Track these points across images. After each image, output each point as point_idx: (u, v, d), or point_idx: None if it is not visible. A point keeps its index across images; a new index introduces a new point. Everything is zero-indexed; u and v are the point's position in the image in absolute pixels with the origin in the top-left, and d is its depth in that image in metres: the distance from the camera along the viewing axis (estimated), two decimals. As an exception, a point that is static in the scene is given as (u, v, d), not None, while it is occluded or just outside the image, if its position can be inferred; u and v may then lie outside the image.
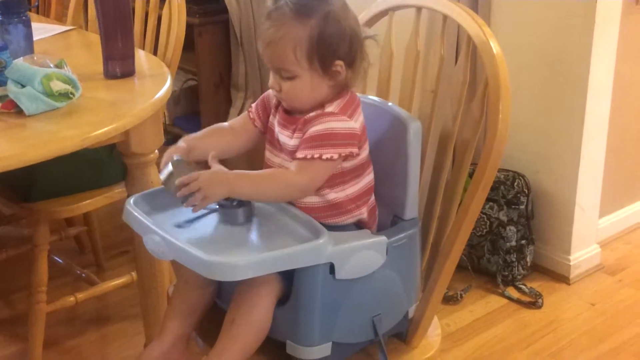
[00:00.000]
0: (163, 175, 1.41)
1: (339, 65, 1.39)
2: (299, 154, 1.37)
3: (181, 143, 1.46)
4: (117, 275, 2.43)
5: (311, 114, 1.40)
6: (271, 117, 1.50)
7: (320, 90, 1.41)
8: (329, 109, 1.40)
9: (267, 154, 1.50)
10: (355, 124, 1.41)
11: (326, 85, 1.40)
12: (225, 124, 1.55)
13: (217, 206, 1.40)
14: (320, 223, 1.39)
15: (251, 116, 1.54)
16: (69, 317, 2.44)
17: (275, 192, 1.40)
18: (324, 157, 1.36)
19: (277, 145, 1.47)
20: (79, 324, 2.43)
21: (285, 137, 1.44)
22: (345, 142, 1.39)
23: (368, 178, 1.47)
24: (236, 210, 1.39)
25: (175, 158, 1.41)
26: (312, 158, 1.36)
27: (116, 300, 2.51)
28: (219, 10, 3.38)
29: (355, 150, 1.40)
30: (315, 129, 1.38)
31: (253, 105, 1.54)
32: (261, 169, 1.47)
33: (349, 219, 1.45)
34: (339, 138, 1.38)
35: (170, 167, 1.39)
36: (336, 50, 1.38)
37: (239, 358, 1.37)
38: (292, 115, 1.44)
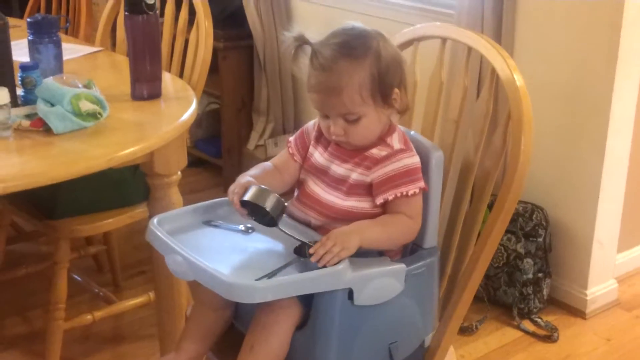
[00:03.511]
0: (249, 196, 1.38)
1: (396, 93, 1.42)
2: (388, 196, 1.40)
3: (246, 179, 1.44)
4: (134, 295, 2.45)
5: (382, 153, 1.43)
6: (311, 147, 1.52)
7: (382, 122, 1.44)
8: (396, 144, 1.43)
9: (310, 184, 1.50)
10: (418, 157, 1.45)
11: (386, 115, 1.44)
12: (269, 164, 1.55)
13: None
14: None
15: (290, 151, 1.55)
16: (85, 335, 2.45)
17: (399, 235, 1.43)
18: (409, 193, 1.40)
19: (320, 175, 1.48)
20: (94, 342, 2.44)
21: (345, 170, 1.46)
22: (418, 176, 1.43)
23: None
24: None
25: (256, 187, 1.39)
26: (402, 196, 1.40)
27: (133, 319, 2.52)
28: (243, 35, 3.42)
29: (423, 183, 1.44)
30: (392, 167, 1.41)
31: (292, 139, 1.56)
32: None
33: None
34: (415, 173, 1.42)
35: (254, 189, 1.38)
36: (393, 81, 1.41)
37: None
38: (349, 148, 1.46)
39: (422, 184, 1.43)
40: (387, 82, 1.40)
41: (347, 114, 1.40)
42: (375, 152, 1.43)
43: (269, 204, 1.37)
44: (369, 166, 1.43)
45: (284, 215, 1.42)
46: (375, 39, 1.41)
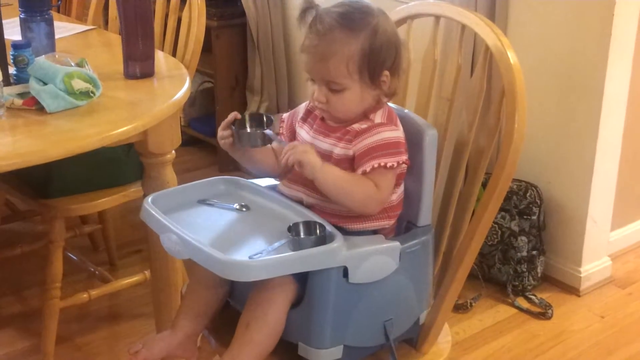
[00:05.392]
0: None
1: (386, 75, 1.42)
2: (366, 167, 1.40)
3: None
4: (130, 273, 2.45)
5: (362, 126, 1.43)
6: (297, 127, 1.53)
7: (366, 101, 1.44)
8: (378, 119, 1.44)
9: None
10: (402, 133, 1.44)
11: (371, 95, 1.44)
12: None
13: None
14: (341, 227, 1.41)
15: (281, 131, 1.57)
16: (81, 314, 2.46)
17: (359, 194, 1.41)
18: (388, 165, 1.40)
19: (297, 165, 1.48)
20: (91, 320, 2.45)
21: (328, 145, 1.46)
22: (399, 150, 1.42)
23: (402, 188, 1.49)
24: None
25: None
26: (379, 167, 1.39)
27: (128, 298, 2.53)
28: (236, 13, 3.40)
29: (406, 157, 1.43)
30: (372, 140, 1.41)
31: (284, 116, 1.58)
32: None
33: (373, 226, 1.46)
34: (395, 147, 1.42)
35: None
36: (385, 62, 1.42)
37: None
38: (332, 124, 1.47)
39: (402, 158, 1.42)
40: (377, 61, 1.40)
41: (331, 82, 1.41)
42: (356, 126, 1.44)
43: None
44: (350, 139, 1.43)
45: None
46: (376, 17, 1.41)
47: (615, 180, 2.60)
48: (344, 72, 1.39)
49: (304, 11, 1.43)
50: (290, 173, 1.49)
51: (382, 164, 1.40)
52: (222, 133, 1.52)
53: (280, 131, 1.58)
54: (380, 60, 1.41)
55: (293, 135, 1.55)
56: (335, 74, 1.40)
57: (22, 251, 2.57)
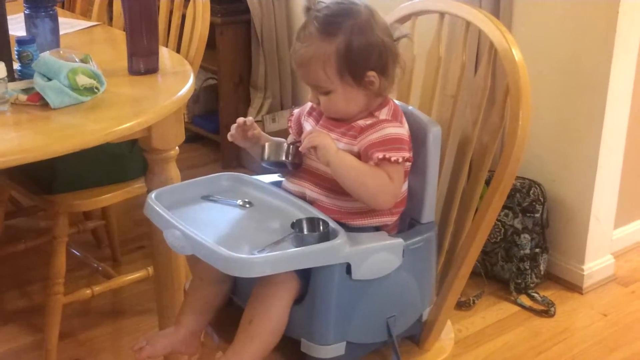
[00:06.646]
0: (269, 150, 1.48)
1: (372, 75, 1.42)
2: (374, 159, 1.40)
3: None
4: (133, 269, 2.46)
5: (367, 122, 1.43)
6: (304, 121, 1.54)
7: (357, 101, 1.44)
8: (382, 116, 1.44)
9: (305, 159, 1.51)
10: (406, 131, 1.45)
11: (362, 95, 1.44)
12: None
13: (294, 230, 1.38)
14: (343, 224, 1.41)
15: (289, 124, 1.59)
16: (84, 310, 2.47)
17: (372, 185, 1.40)
18: (392, 159, 1.40)
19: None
20: (94, 316, 2.46)
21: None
22: (402, 146, 1.42)
23: (405, 185, 1.49)
24: (311, 235, 1.37)
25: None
26: (384, 159, 1.39)
27: (131, 294, 2.54)
28: (240, 10, 3.40)
29: (409, 155, 1.43)
30: (376, 135, 1.41)
31: (295, 111, 1.59)
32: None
33: (375, 222, 1.46)
34: (398, 142, 1.42)
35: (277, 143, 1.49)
36: (366, 62, 1.41)
37: (257, 357, 1.39)
38: (337, 119, 1.47)
39: (405, 154, 1.41)
40: (357, 62, 1.40)
41: (316, 86, 1.43)
42: (361, 122, 1.44)
43: (288, 155, 1.47)
44: (354, 135, 1.44)
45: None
46: (356, 18, 1.40)
47: (618, 178, 2.60)
48: (322, 76, 1.40)
49: (304, 12, 1.45)
50: (296, 169, 1.49)
51: (387, 156, 1.40)
52: (245, 127, 1.51)
53: (289, 124, 1.58)
54: (360, 62, 1.40)
55: (300, 129, 1.56)
56: (316, 79, 1.41)
57: (25, 247, 2.58)
